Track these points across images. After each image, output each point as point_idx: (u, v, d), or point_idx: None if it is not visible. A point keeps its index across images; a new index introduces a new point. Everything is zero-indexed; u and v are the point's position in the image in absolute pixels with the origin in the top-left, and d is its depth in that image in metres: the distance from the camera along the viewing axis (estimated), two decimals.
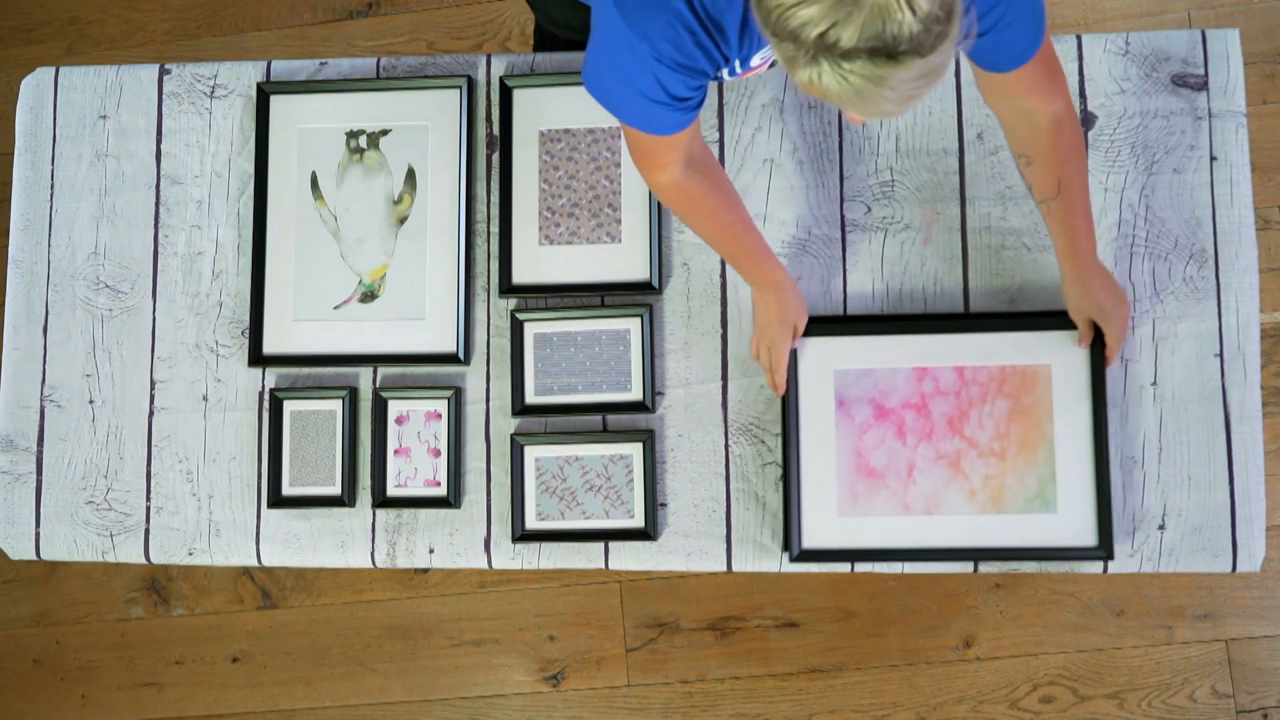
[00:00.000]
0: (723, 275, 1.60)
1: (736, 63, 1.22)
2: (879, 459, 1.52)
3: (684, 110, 1.20)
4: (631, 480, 1.57)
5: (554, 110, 1.62)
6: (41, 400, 1.67)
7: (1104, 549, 1.48)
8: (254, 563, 1.63)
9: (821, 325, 1.54)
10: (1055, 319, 1.51)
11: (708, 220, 1.41)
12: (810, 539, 1.52)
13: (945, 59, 0.94)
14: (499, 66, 1.66)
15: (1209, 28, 1.61)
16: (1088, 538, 1.49)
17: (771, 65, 1.35)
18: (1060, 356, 1.51)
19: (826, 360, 1.54)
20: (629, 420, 1.59)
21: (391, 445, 1.60)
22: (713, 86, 1.60)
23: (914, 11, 0.89)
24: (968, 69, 1.58)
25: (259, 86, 1.67)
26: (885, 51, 0.91)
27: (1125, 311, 1.46)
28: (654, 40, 1.11)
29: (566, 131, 1.62)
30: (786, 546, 1.52)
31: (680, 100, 1.18)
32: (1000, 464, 1.51)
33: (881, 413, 1.53)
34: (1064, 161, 1.33)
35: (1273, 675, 2.11)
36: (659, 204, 1.58)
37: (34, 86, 1.74)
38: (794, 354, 1.53)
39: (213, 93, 1.70)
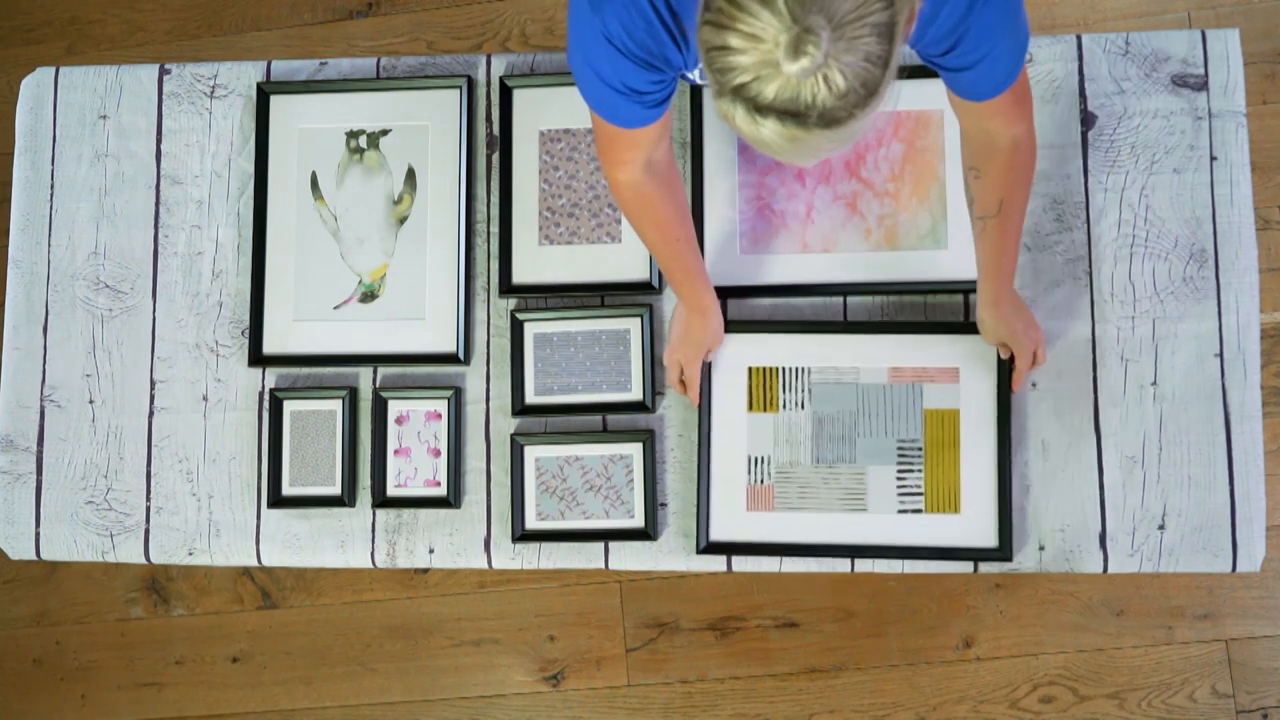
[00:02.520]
0: None
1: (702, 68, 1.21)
2: (779, 201, 1.57)
3: (643, 105, 1.18)
4: (631, 480, 1.57)
5: (554, 110, 1.62)
6: (41, 400, 1.67)
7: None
8: (254, 563, 1.63)
9: None
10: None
11: (656, 229, 1.39)
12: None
13: (858, 129, 0.95)
14: (499, 66, 1.66)
15: (1209, 28, 1.61)
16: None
17: None
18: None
19: None
20: (629, 420, 1.59)
21: (391, 445, 1.60)
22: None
23: (830, 88, 0.90)
24: None
25: (259, 86, 1.66)
26: (796, 117, 0.92)
27: (1036, 336, 1.47)
28: (606, 19, 1.09)
29: (566, 131, 1.62)
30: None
31: (637, 93, 1.16)
32: (895, 204, 1.56)
33: None
34: (1012, 184, 1.32)
35: (1273, 675, 2.11)
36: None
37: (34, 86, 1.74)
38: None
39: (213, 93, 1.70)
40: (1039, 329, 1.48)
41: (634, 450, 1.57)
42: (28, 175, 1.72)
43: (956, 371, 1.53)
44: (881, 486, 1.53)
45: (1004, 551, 1.50)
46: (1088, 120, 1.57)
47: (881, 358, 1.54)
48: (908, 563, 1.53)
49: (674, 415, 1.58)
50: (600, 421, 1.59)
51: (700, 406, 1.54)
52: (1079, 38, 1.59)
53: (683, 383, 1.54)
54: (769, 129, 0.93)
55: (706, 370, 1.54)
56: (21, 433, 1.67)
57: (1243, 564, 1.51)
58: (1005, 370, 1.51)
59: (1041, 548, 1.52)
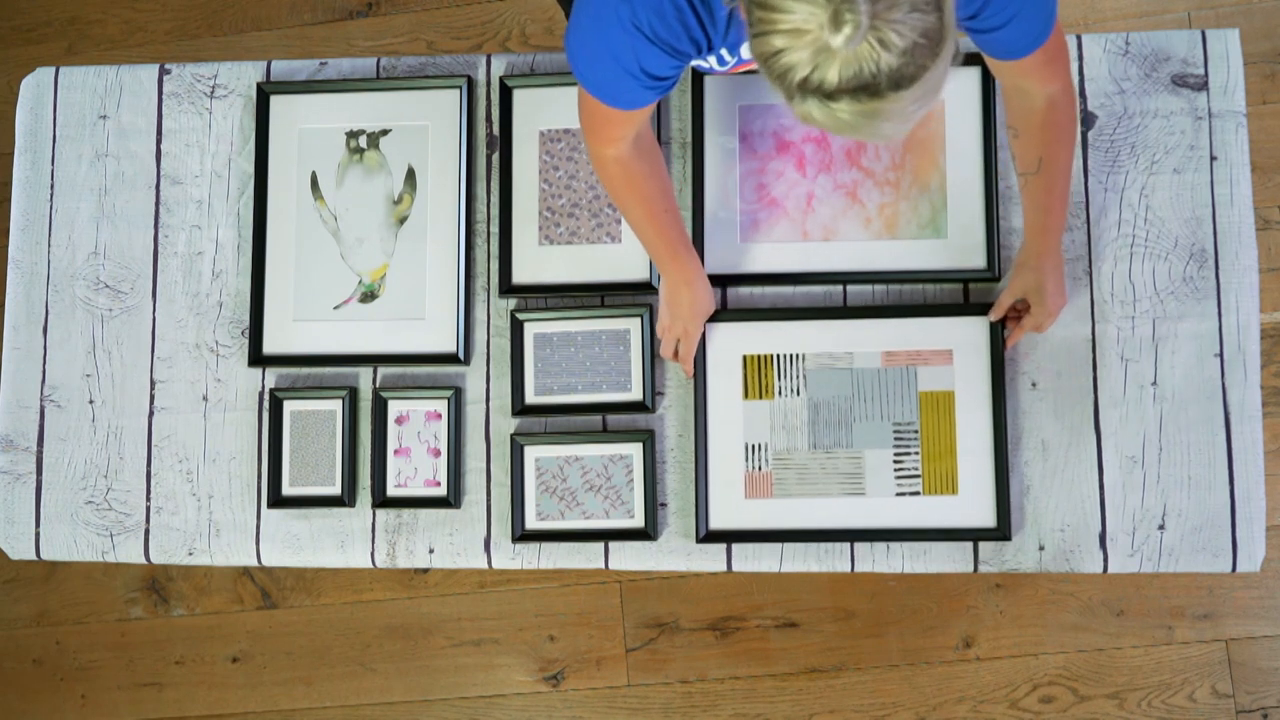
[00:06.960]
0: None
1: (724, 51, 1.20)
2: (780, 189, 1.58)
3: (655, 90, 1.18)
4: (631, 480, 1.57)
5: (554, 110, 1.62)
6: (41, 400, 1.67)
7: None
8: (254, 563, 1.63)
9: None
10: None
11: (642, 204, 1.40)
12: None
13: (937, 80, 0.94)
14: (499, 66, 1.66)
15: (1209, 28, 1.61)
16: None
17: None
18: (954, 91, 1.56)
19: (731, 96, 1.59)
20: (629, 420, 1.59)
21: (391, 445, 1.60)
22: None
23: (888, 49, 0.88)
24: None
25: (259, 86, 1.66)
26: (866, 89, 0.91)
27: (1060, 304, 1.48)
28: (636, 8, 1.09)
29: (566, 131, 1.62)
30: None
31: (655, 79, 1.16)
32: (895, 193, 1.57)
33: (783, 145, 1.58)
34: (1049, 142, 1.34)
35: (1273, 675, 2.11)
36: None
37: (34, 86, 1.74)
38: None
39: (213, 93, 1.70)
40: (1064, 301, 1.48)
41: (634, 450, 1.57)
42: (28, 175, 1.72)
43: (950, 353, 1.53)
44: (879, 470, 1.53)
45: (1002, 530, 1.50)
46: (1088, 120, 1.57)
47: (875, 342, 1.54)
48: (907, 548, 1.53)
49: (674, 415, 1.58)
50: (600, 421, 1.59)
51: (695, 396, 1.55)
52: (1079, 38, 1.59)
53: (676, 355, 1.54)
54: (847, 111, 0.92)
55: (701, 349, 1.54)
56: (21, 433, 1.67)
57: (1243, 564, 1.51)
58: (999, 332, 1.51)
59: (1041, 548, 1.52)
